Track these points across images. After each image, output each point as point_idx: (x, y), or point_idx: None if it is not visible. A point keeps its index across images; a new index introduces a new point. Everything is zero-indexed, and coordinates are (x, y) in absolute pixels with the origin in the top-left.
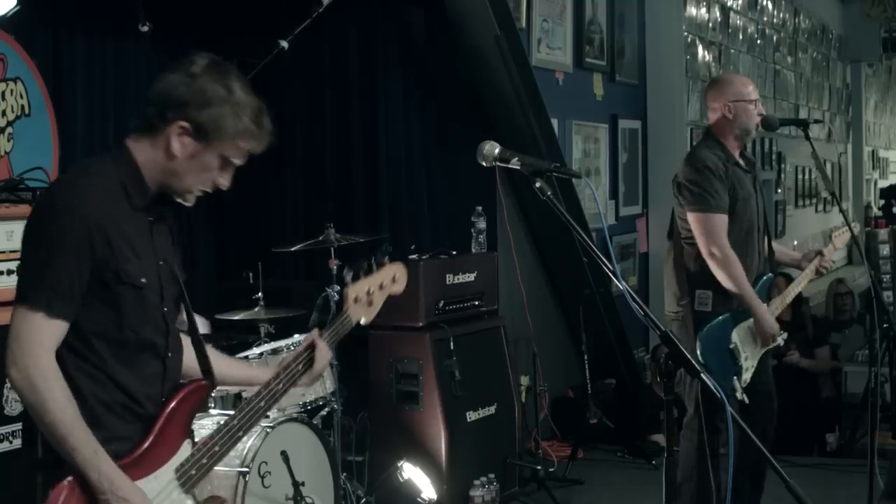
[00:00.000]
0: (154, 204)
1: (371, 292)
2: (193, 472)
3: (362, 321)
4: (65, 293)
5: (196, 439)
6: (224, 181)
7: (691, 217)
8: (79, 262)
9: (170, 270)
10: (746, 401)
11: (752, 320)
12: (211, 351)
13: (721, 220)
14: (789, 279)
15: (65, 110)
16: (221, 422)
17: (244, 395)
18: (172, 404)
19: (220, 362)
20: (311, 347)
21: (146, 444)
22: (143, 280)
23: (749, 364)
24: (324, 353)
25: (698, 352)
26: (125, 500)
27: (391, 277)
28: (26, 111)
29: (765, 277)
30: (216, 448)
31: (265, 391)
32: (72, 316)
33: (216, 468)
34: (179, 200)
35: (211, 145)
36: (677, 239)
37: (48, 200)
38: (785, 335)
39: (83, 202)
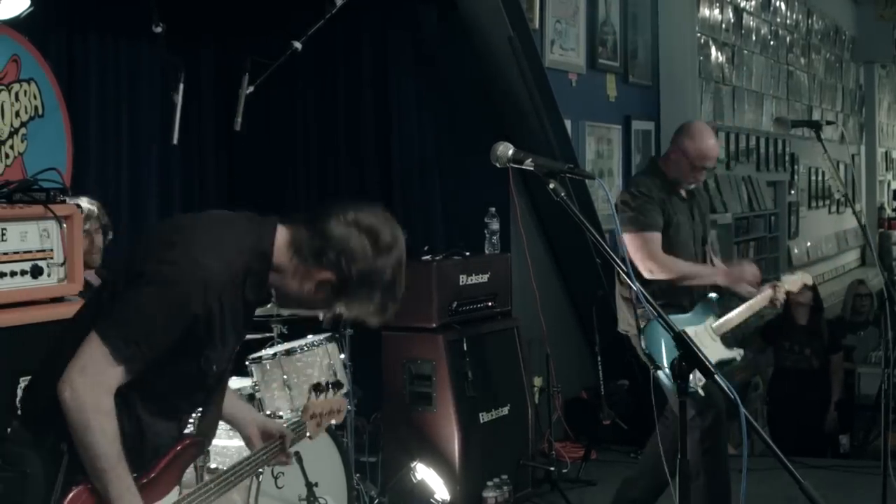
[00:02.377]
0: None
1: (322, 415)
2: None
3: (308, 437)
4: (148, 356)
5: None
6: (324, 320)
7: (626, 238)
8: (174, 334)
9: (235, 351)
10: (702, 393)
11: (697, 328)
12: None
13: (653, 237)
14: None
15: (78, 111)
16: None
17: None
18: (171, 454)
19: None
20: (281, 439)
21: (143, 481)
22: (214, 368)
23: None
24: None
25: (643, 345)
26: None
27: (338, 408)
28: (40, 112)
29: (709, 296)
30: (200, 499)
31: (236, 468)
32: (137, 371)
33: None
34: (278, 302)
35: (342, 300)
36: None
37: (178, 256)
38: (742, 351)
39: (208, 281)
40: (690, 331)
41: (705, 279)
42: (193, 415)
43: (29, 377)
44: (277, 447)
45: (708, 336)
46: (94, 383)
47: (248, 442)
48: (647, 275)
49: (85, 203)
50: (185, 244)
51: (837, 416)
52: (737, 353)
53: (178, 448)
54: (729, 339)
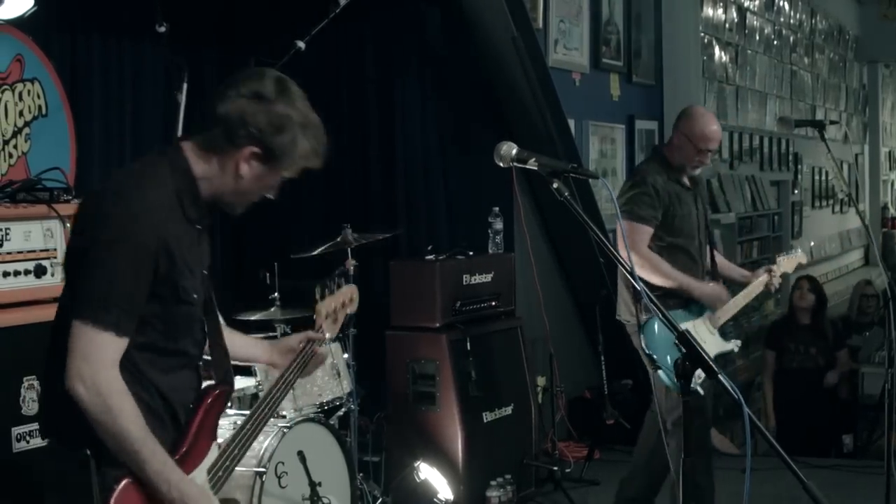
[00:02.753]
0: (206, 215)
1: (336, 310)
2: (220, 473)
3: (328, 338)
4: (132, 312)
5: (219, 441)
6: (274, 194)
7: (621, 224)
8: (145, 282)
9: (206, 283)
10: (702, 392)
11: (696, 321)
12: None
13: (642, 230)
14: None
15: (82, 110)
16: (238, 422)
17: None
18: (202, 412)
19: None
20: (308, 343)
21: (183, 450)
22: (195, 296)
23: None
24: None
25: (643, 344)
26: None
27: (349, 298)
28: (43, 111)
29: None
30: (236, 451)
31: (275, 392)
32: (132, 332)
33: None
34: (234, 213)
35: (278, 168)
36: None
37: (110, 214)
38: (739, 342)
39: (148, 219)
40: (689, 325)
41: (683, 287)
42: (204, 357)
43: (32, 377)
44: (308, 351)
45: (706, 329)
46: (99, 366)
47: (275, 365)
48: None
49: None
50: (110, 202)
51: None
52: (734, 345)
53: (205, 405)
54: (726, 330)
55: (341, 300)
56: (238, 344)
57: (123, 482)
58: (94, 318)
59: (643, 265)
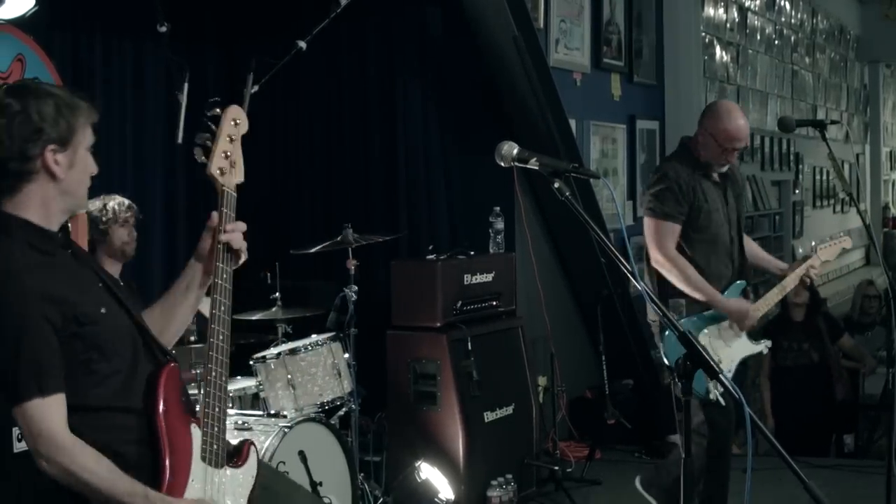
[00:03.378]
0: (62, 238)
1: (229, 154)
2: (215, 446)
3: (236, 181)
4: (47, 369)
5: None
6: (94, 167)
7: (645, 222)
8: (46, 337)
9: (113, 283)
10: (723, 403)
11: (723, 324)
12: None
13: (669, 228)
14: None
15: None
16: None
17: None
18: (161, 406)
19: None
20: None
21: (167, 460)
22: (102, 310)
23: (724, 367)
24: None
25: (662, 352)
26: None
27: (233, 122)
28: None
29: (736, 283)
30: (215, 411)
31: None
32: (62, 384)
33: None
34: (76, 209)
35: (74, 144)
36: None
37: None
38: (769, 343)
39: (15, 281)
40: (715, 328)
41: (706, 298)
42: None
43: None
44: (221, 246)
45: (733, 331)
46: (48, 437)
47: (202, 251)
48: (652, 262)
49: (119, 198)
50: None
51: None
52: (764, 346)
53: (160, 395)
54: (755, 330)
55: (227, 135)
56: (172, 296)
57: None
58: (15, 397)
59: (670, 268)
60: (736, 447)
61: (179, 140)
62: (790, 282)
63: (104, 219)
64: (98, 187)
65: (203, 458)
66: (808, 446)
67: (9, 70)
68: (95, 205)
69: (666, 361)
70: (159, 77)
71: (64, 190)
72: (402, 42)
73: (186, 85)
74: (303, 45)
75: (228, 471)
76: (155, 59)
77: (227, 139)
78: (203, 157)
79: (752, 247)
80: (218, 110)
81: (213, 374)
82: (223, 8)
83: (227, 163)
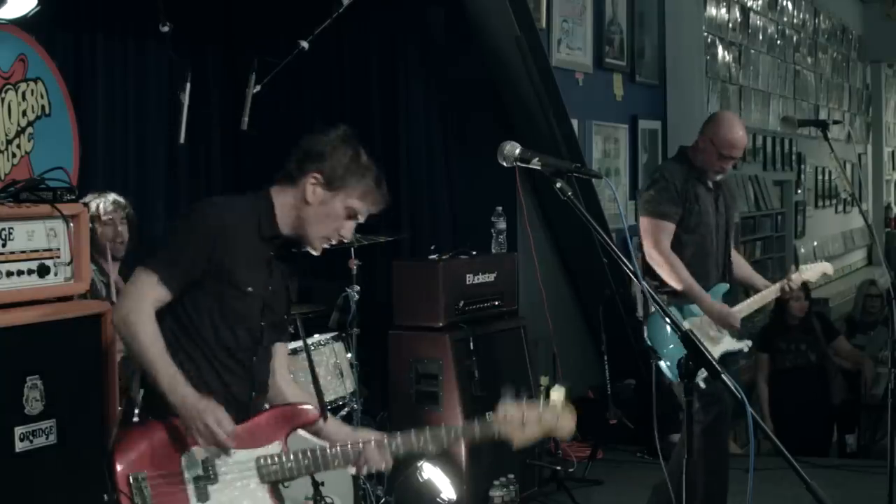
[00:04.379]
0: (281, 245)
1: (525, 420)
2: (275, 467)
3: (514, 444)
4: (177, 270)
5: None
6: (347, 233)
7: (641, 220)
8: (196, 253)
9: (276, 302)
10: (703, 386)
11: (703, 318)
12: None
13: (664, 226)
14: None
15: (85, 110)
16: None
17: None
18: (281, 409)
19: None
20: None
21: (238, 427)
22: (248, 288)
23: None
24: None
25: (645, 334)
26: (196, 411)
27: (554, 417)
28: (47, 111)
29: (719, 285)
30: (306, 462)
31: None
32: (176, 290)
33: None
34: (308, 249)
35: (338, 194)
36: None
37: (196, 206)
38: (749, 342)
39: (219, 214)
40: (697, 321)
41: (695, 299)
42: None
43: (35, 376)
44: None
45: (715, 327)
46: (134, 299)
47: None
48: (647, 259)
49: (113, 195)
50: (199, 202)
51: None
52: (744, 345)
53: (284, 408)
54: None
55: (538, 413)
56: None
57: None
58: (147, 263)
59: (662, 264)
60: (737, 447)
61: (182, 140)
62: (771, 292)
63: (90, 216)
64: (99, 187)
65: (257, 460)
66: (809, 447)
67: (10, 70)
68: (98, 203)
69: (648, 345)
70: (161, 77)
71: (302, 215)
72: (405, 42)
73: (188, 85)
74: (305, 45)
75: (259, 492)
76: (157, 58)
77: (538, 416)
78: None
79: (740, 262)
80: (561, 394)
81: (326, 456)
82: (225, 8)
83: (519, 419)
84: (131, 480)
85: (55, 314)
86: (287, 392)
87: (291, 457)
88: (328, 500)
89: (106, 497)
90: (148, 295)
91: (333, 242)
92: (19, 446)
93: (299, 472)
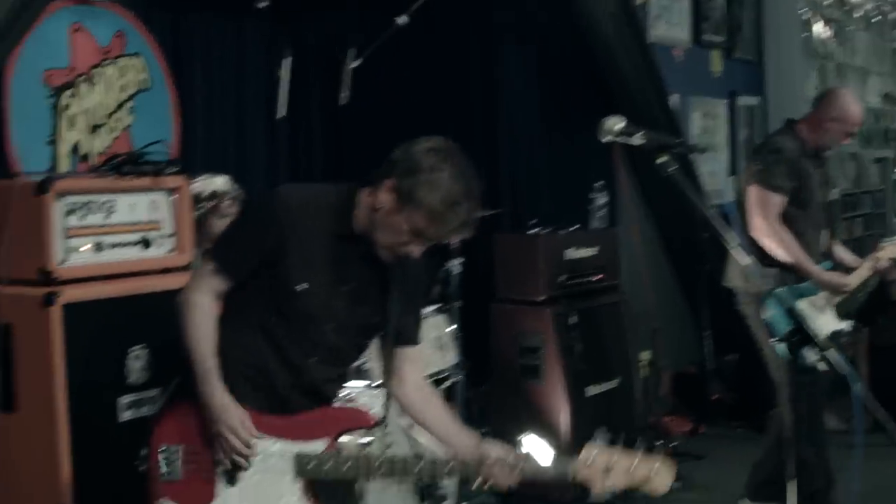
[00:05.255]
0: (367, 244)
1: (612, 468)
2: (312, 465)
3: (594, 489)
4: (231, 260)
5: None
6: (415, 251)
7: (751, 190)
8: (253, 243)
9: (358, 301)
10: (809, 362)
11: (812, 298)
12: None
13: (775, 199)
14: None
15: (184, 85)
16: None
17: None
18: (335, 410)
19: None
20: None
21: (285, 417)
22: (298, 287)
23: (823, 333)
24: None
25: (763, 315)
26: (216, 412)
27: (648, 470)
28: (147, 85)
29: (822, 263)
30: (349, 462)
31: (427, 464)
32: (234, 279)
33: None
34: (378, 254)
35: (404, 210)
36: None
37: (269, 193)
38: (852, 322)
39: (286, 204)
40: (806, 302)
41: (804, 270)
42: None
43: (138, 347)
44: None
45: (822, 306)
46: (192, 286)
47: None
48: (754, 232)
49: (225, 182)
50: (268, 193)
51: None
52: (847, 325)
53: (334, 410)
54: (848, 309)
55: (630, 463)
56: (445, 427)
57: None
58: (210, 250)
59: (771, 236)
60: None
61: (281, 115)
62: (864, 271)
63: (204, 205)
64: (198, 163)
65: (297, 455)
66: None
67: (110, 45)
68: (198, 186)
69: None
70: (260, 52)
71: (372, 219)
72: (504, 16)
73: (287, 59)
74: (403, 20)
75: (293, 484)
76: (256, 33)
77: (628, 466)
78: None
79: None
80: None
81: (381, 461)
82: None
83: (602, 465)
84: (163, 450)
85: (157, 286)
86: (422, 409)
87: (333, 459)
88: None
89: (137, 463)
90: (205, 283)
91: (399, 255)
92: (123, 416)
93: (337, 476)
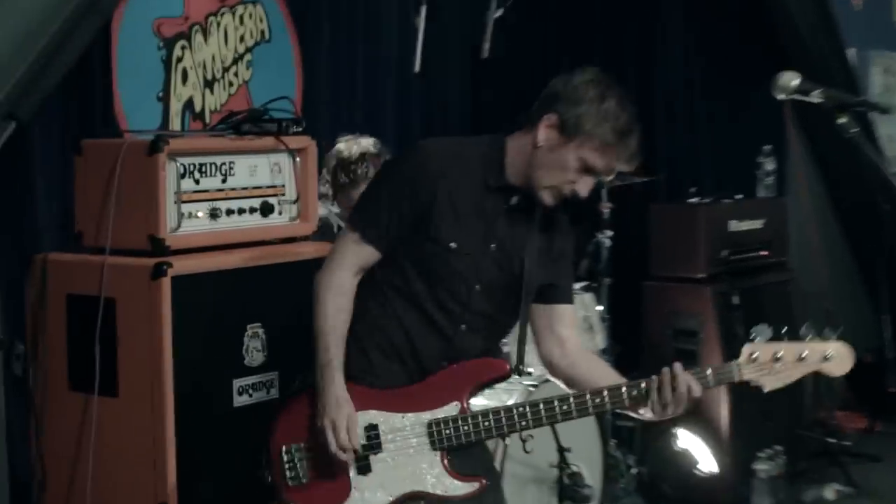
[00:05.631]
0: (522, 196)
1: (780, 358)
2: (448, 432)
3: (764, 388)
4: (379, 225)
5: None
6: (582, 189)
7: None
8: (399, 203)
9: (505, 259)
10: None
11: None
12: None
13: None
14: None
15: (308, 36)
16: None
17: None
18: (461, 365)
19: (592, 366)
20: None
21: (411, 387)
22: (451, 244)
23: None
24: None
25: None
26: (328, 405)
27: (821, 354)
28: (266, 37)
29: None
30: (487, 423)
31: (579, 399)
32: (384, 247)
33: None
34: (539, 199)
35: (571, 143)
36: None
37: (409, 148)
38: None
39: (432, 157)
40: None
41: None
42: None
43: (257, 325)
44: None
45: None
46: (332, 264)
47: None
48: None
49: (371, 142)
50: (411, 148)
51: None
52: None
53: (459, 364)
54: None
55: (799, 351)
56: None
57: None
58: (351, 224)
59: None
60: None
61: (417, 69)
62: None
63: (353, 170)
64: (323, 121)
65: (429, 425)
66: None
67: None
68: (349, 147)
69: None
70: (392, 1)
71: (531, 160)
72: None
73: (424, 8)
74: None
75: (433, 455)
76: None
77: (798, 354)
78: (761, 337)
79: None
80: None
81: (525, 410)
82: None
83: (769, 361)
84: (285, 452)
85: (279, 257)
86: (589, 367)
87: (469, 419)
88: (574, 467)
89: (260, 471)
90: (348, 257)
91: (565, 196)
92: (238, 400)
93: (478, 437)
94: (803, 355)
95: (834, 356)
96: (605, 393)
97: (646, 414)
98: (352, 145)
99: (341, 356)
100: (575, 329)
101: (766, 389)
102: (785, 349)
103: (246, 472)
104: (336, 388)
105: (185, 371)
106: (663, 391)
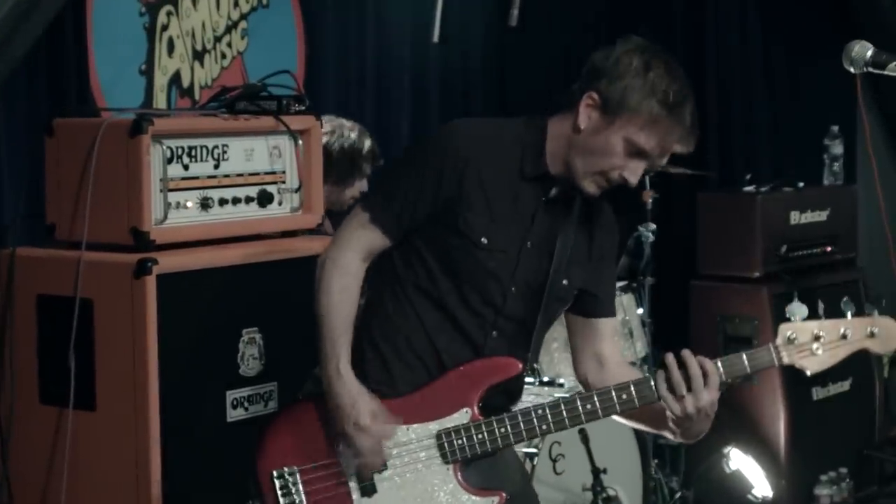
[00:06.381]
0: (561, 188)
1: (820, 337)
2: (461, 442)
3: (807, 371)
4: (395, 208)
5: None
6: (631, 175)
7: None
8: (420, 190)
9: (541, 256)
10: None
11: None
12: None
13: None
14: None
15: (311, 1)
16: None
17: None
18: (468, 366)
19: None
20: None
21: (413, 395)
22: (483, 240)
23: None
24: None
25: None
26: (342, 405)
27: (866, 330)
28: (263, 2)
29: None
30: (503, 429)
31: (603, 395)
32: (396, 233)
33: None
34: (582, 188)
35: (616, 123)
36: None
37: (441, 128)
38: None
39: (463, 141)
40: None
41: None
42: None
43: (254, 329)
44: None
45: None
46: (340, 243)
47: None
48: None
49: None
50: (442, 128)
51: None
52: None
53: (468, 366)
54: None
55: (841, 328)
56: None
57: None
58: (364, 206)
59: None
60: None
61: (435, 38)
62: None
63: (357, 162)
64: (328, 97)
65: (437, 436)
66: None
67: None
68: (352, 137)
69: None
70: None
71: (572, 144)
72: None
73: None
74: None
75: (444, 468)
76: None
77: (840, 331)
78: (797, 315)
79: None
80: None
81: (543, 412)
82: None
83: (809, 341)
84: (277, 477)
85: (278, 252)
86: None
87: (483, 427)
88: (611, 491)
89: (250, 502)
90: (357, 239)
91: (612, 184)
92: (231, 415)
93: (495, 446)
94: (846, 332)
95: (880, 331)
96: (632, 387)
97: (673, 431)
98: (368, 143)
99: (348, 346)
100: (616, 342)
101: (809, 373)
102: (825, 327)
103: (240, 496)
104: (349, 380)
105: (172, 382)
106: (672, 378)
